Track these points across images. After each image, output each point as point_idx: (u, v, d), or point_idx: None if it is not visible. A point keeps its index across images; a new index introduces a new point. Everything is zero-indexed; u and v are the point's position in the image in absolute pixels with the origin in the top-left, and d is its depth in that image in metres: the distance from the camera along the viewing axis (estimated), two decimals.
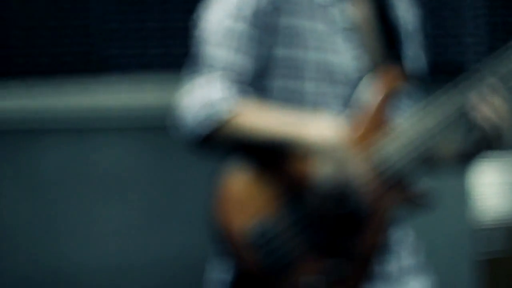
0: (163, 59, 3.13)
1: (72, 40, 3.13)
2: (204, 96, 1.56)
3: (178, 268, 3.25)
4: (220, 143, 1.59)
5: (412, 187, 1.66)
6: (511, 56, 1.61)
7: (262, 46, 1.62)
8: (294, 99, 1.63)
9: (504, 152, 3.03)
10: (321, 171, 1.52)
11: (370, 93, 1.65)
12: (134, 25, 3.10)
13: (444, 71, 3.17)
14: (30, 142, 3.20)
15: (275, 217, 1.56)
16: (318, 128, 1.54)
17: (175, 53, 3.07)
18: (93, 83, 3.23)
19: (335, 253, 1.58)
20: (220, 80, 1.58)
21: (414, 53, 1.77)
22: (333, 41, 1.64)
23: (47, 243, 3.21)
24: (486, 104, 1.60)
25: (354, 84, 1.65)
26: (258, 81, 1.63)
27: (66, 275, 3.22)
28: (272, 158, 1.58)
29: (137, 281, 3.25)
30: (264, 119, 1.56)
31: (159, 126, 2.93)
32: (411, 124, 1.63)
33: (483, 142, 1.64)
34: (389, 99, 1.66)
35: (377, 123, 1.64)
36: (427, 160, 1.67)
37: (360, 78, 1.66)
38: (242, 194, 1.56)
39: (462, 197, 3.38)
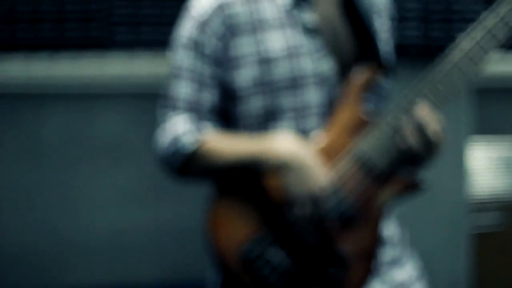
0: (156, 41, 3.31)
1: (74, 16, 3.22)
2: (171, 133, 1.67)
3: (176, 233, 3.29)
4: (195, 173, 1.68)
5: (403, 176, 1.67)
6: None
7: (221, 78, 1.67)
8: (273, 116, 1.66)
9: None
10: (287, 186, 1.57)
11: (344, 92, 1.66)
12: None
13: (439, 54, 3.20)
14: (31, 108, 3.21)
15: (261, 234, 1.61)
16: (278, 144, 1.58)
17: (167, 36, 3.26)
18: (95, 55, 3.25)
19: (331, 262, 1.61)
20: (183, 119, 1.67)
21: (385, 42, 1.76)
22: (302, 44, 1.65)
23: (48, 208, 3.23)
24: (411, 126, 1.61)
25: (328, 85, 1.66)
26: (229, 108, 1.69)
27: (65, 241, 3.25)
28: (248, 179, 1.63)
29: (136, 247, 3.30)
30: (228, 145, 1.63)
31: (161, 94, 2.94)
32: (382, 119, 1.65)
33: (414, 159, 1.65)
34: (363, 95, 1.67)
35: (354, 121, 1.66)
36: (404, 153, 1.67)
37: (332, 78, 1.67)
38: (228, 218, 1.63)
39: (457, 172, 3.40)
